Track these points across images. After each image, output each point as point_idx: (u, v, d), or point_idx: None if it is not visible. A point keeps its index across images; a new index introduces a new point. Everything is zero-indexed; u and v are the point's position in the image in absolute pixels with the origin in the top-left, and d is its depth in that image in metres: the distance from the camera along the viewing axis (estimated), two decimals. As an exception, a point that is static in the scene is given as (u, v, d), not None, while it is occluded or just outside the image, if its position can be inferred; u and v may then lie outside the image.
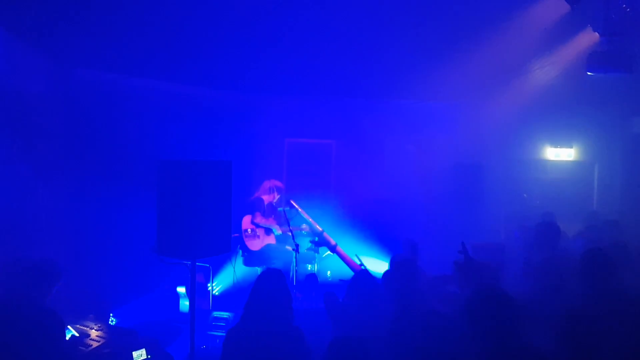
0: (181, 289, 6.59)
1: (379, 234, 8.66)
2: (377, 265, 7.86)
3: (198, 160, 4.42)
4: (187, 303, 6.38)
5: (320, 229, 7.66)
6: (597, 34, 6.41)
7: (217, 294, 7.46)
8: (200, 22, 6.56)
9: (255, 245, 7.69)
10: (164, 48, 6.76)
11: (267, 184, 8.04)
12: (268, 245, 7.76)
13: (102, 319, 5.04)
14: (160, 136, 7.32)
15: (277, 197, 8.00)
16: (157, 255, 4.59)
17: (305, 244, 7.67)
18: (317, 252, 7.75)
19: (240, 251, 7.68)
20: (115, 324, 5.79)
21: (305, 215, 7.66)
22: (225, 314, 6.26)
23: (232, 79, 8.40)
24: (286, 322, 3.80)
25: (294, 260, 6.92)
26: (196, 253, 4.45)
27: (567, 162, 9.95)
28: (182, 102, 8.17)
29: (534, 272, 4.39)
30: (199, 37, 6.81)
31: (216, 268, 7.69)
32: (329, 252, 7.83)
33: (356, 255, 7.27)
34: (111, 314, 5.78)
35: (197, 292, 6.67)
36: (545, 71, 8.18)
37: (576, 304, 3.79)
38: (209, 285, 6.98)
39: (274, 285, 3.78)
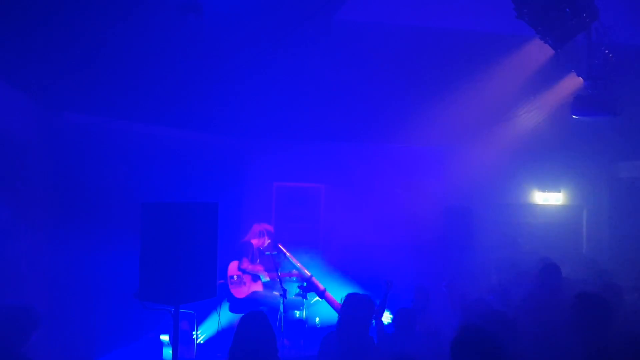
0: (165, 337, 6.39)
1: (368, 279, 8.52)
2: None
3: (182, 202, 4.34)
4: (171, 351, 6.16)
5: (309, 274, 7.53)
6: (581, 78, 6.51)
7: (201, 342, 7.23)
8: (189, 65, 6.59)
9: (241, 292, 7.50)
10: (152, 91, 6.76)
11: (257, 227, 7.91)
12: (254, 293, 7.57)
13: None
14: (146, 180, 7.23)
15: (267, 241, 7.85)
16: (140, 301, 4.43)
17: (293, 289, 7.51)
18: (306, 298, 7.58)
19: (226, 298, 7.48)
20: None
21: (294, 260, 7.54)
22: (209, 363, 6.05)
23: (220, 122, 8.40)
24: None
25: (282, 306, 6.75)
26: (179, 298, 4.31)
27: (555, 206, 9.96)
28: (170, 146, 8.10)
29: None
30: (187, 81, 6.83)
31: (202, 315, 7.48)
32: (317, 297, 7.67)
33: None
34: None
35: (181, 340, 6.50)
36: (532, 115, 8.29)
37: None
38: (193, 333, 6.76)
39: (257, 328, 3.67)
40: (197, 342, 6.91)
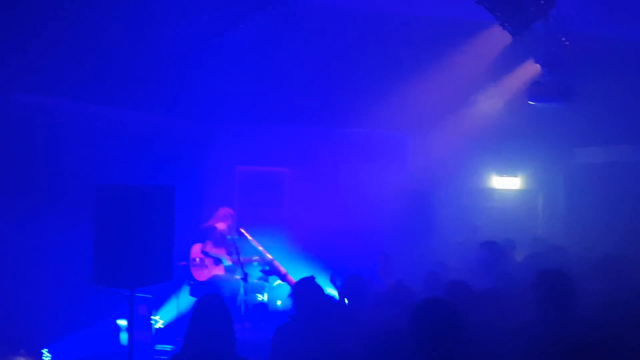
0: (122, 322, 6.31)
1: (332, 263, 8.57)
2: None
3: (137, 185, 4.27)
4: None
5: (271, 257, 7.52)
6: (538, 65, 6.63)
7: (161, 326, 7.17)
8: (148, 44, 6.46)
9: (202, 275, 7.46)
10: (108, 71, 6.60)
11: (223, 211, 7.87)
12: (215, 276, 7.53)
13: (34, 355, 4.75)
14: (104, 163, 7.07)
15: (230, 225, 7.81)
16: (94, 285, 4.36)
17: (255, 273, 7.50)
18: (268, 281, 7.59)
19: (186, 281, 7.43)
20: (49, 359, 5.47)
21: (256, 244, 7.52)
22: (168, 347, 6.01)
23: (181, 105, 8.26)
24: (229, 351, 3.64)
25: (242, 289, 6.74)
26: (134, 282, 4.26)
27: (512, 190, 10.18)
28: (129, 129, 7.94)
29: (481, 298, 4.37)
30: (145, 61, 6.69)
31: (161, 299, 7.42)
32: (279, 281, 7.68)
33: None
34: (46, 350, 5.46)
35: (138, 325, 6.45)
36: (491, 102, 8.41)
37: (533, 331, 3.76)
38: (151, 317, 6.70)
39: (213, 311, 3.63)
40: (156, 326, 6.84)
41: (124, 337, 6.28)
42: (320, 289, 4.30)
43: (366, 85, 7.75)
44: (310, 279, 4.41)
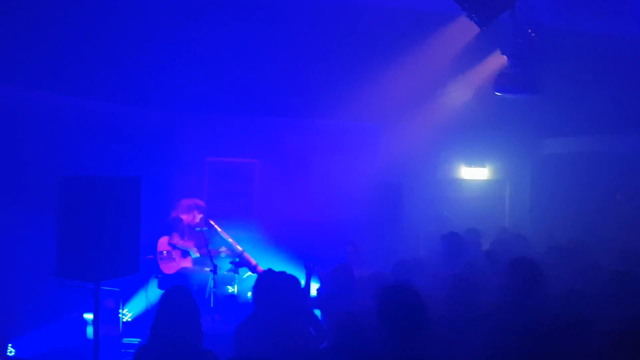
0: (88, 316, 6.21)
1: (303, 254, 8.57)
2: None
3: (102, 176, 4.19)
4: (95, 330, 6.01)
5: (241, 249, 7.49)
6: (505, 56, 6.71)
7: (129, 319, 7.08)
8: (113, 33, 6.32)
9: (170, 268, 7.38)
10: (74, 60, 6.44)
11: (186, 202, 7.77)
12: (184, 269, 7.46)
13: (-4, 350, 4.65)
14: (67, 155, 6.94)
15: (198, 216, 7.72)
16: (57, 278, 4.27)
17: (225, 265, 7.46)
18: (237, 273, 7.55)
19: (154, 274, 7.35)
20: (14, 355, 5.36)
21: (225, 236, 7.48)
22: (136, 340, 5.94)
23: (149, 95, 8.14)
24: (195, 343, 3.62)
25: (212, 281, 6.70)
26: (99, 275, 4.19)
27: (480, 181, 10.32)
28: (95, 119, 7.81)
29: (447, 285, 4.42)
30: (113, 50, 6.56)
31: (129, 293, 7.32)
32: (249, 272, 7.66)
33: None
34: (9, 345, 5.34)
35: (107, 318, 6.37)
36: (460, 93, 8.49)
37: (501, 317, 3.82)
38: (119, 310, 6.61)
39: (179, 304, 3.60)
40: (124, 320, 6.76)
41: (90, 331, 6.18)
42: (280, 283, 4.24)
43: (336, 77, 7.74)
44: (269, 273, 4.36)
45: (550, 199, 9.62)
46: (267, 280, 4.25)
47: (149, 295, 7.22)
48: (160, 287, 7.34)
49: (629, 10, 7.05)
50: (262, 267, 7.41)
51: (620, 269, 4.69)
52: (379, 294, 3.24)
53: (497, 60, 7.11)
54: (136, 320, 7.14)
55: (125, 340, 6.02)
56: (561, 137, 10.03)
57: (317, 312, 5.59)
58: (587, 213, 8.62)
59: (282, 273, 4.35)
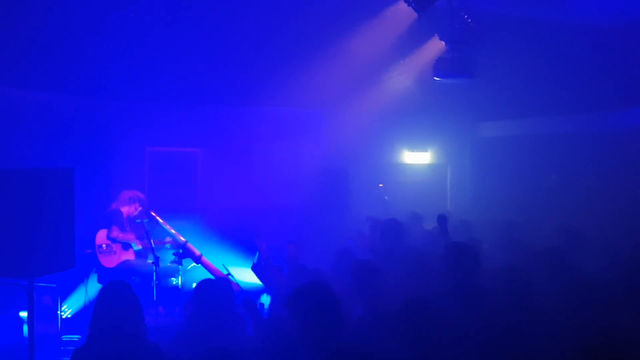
0: (24, 314, 5.96)
1: (248, 242, 8.52)
2: (245, 274, 7.70)
3: (31, 168, 4.00)
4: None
5: (184, 240, 7.35)
6: (443, 42, 6.82)
7: (68, 316, 6.86)
8: (44, 17, 6.05)
9: (111, 261, 7.17)
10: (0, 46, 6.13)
11: (126, 194, 7.54)
12: (126, 262, 7.27)
13: None
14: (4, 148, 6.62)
15: (138, 208, 7.53)
16: (-13, 276, 4.07)
17: (168, 257, 7.31)
18: (181, 265, 7.41)
19: (94, 269, 7.13)
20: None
21: (167, 227, 7.32)
22: (76, 337, 5.76)
23: (85, 82, 7.84)
24: (138, 337, 3.53)
25: (155, 273, 6.56)
26: (33, 271, 4.01)
27: (423, 165, 10.52)
28: (27, 109, 7.50)
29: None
30: (43, 35, 6.27)
31: (68, 288, 7.09)
32: (193, 263, 7.54)
33: (223, 265, 7.06)
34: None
35: (44, 315, 6.14)
36: (401, 78, 8.59)
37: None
38: (58, 307, 6.39)
39: (118, 299, 3.49)
40: (63, 316, 6.54)
41: (26, 329, 5.95)
42: (218, 293, 4.11)
43: (277, 63, 7.69)
44: (208, 282, 4.24)
45: (489, 181, 9.93)
46: (206, 290, 4.12)
47: (89, 290, 6.99)
48: (100, 281, 7.12)
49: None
50: (206, 258, 7.32)
51: (554, 245, 4.90)
52: (290, 297, 3.19)
53: (436, 46, 7.22)
54: (76, 316, 6.92)
55: (65, 337, 5.81)
56: (498, 121, 10.33)
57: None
58: (524, 193, 8.94)
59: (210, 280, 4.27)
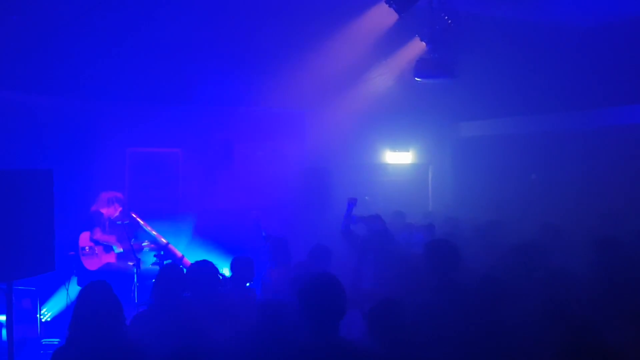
0: (3, 317, 5.88)
1: (231, 242, 8.49)
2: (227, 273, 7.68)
3: (9, 170, 3.95)
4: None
5: (165, 241, 7.30)
6: (424, 42, 6.87)
7: (48, 319, 6.78)
8: (24, 18, 5.97)
9: (93, 264, 7.12)
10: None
11: (106, 195, 7.49)
12: (107, 264, 7.22)
13: None
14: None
15: (118, 209, 7.46)
16: (-36, 279, 4.01)
17: (149, 259, 7.25)
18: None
19: (76, 271, 7.06)
20: None
21: (149, 229, 7.26)
22: (56, 341, 5.70)
23: (65, 83, 7.75)
24: (119, 336, 3.50)
25: (135, 275, 6.51)
26: (11, 274, 3.96)
27: (404, 164, 10.58)
28: (6, 110, 7.39)
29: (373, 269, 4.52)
30: (23, 34, 6.19)
31: (48, 291, 7.01)
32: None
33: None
34: None
35: (23, 319, 6.06)
36: (383, 79, 8.63)
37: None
38: (37, 310, 6.31)
39: (98, 300, 3.46)
40: (43, 320, 6.46)
41: (5, 333, 5.87)
42: (181, 278, 4.21)
43: (259, 64, 7.68)
44: (172, 266, 4.31)
45: (470, 180, 10.03)
46: (169, 274, 4.23)
47: (71, 293, 6.92)
48: (80, 284, 7.06)
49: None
50: (188, 259, 7.28)
51: (535, 242, 4.97)
52: (300, 286, 3.24)
53: (417, 46, 7.27)
54: (56, 320, 6.85)
55: (45, 341, 5.75)
56: (478, 120, 10.44)
57: None
58: (504, 192, 9.05)
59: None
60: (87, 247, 7.10)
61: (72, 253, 7.01)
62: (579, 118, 8.88)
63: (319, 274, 3.33)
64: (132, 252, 6.62)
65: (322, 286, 3.16)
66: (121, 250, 7.27)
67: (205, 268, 4.42)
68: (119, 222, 7.22)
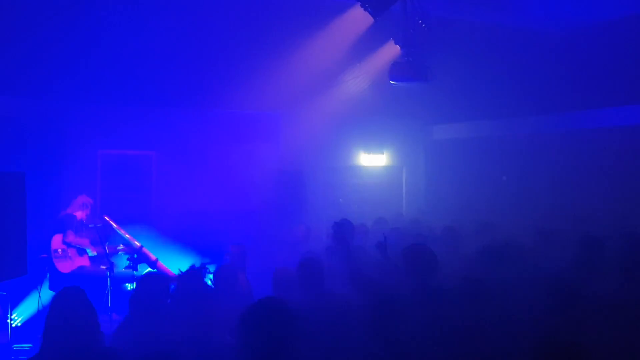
0: (-28, 323, 5.77)
1: (205, 245, 8.44)
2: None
3: (-20, 173, 3.88)
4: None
5: (139, 244, 7.22)
6: (398, 46, 6.95)
7: (19, 324, 6.64)
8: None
9: (66, 267, 7.03)
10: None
11: (81, 199, 7.45)
12: (80, 268, 7.12)
13: None
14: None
15: (91, 213, 7.42)
16: None
17: (122, 262, 7.17)
18: (136, 270, 7.28)
19: (48, 274, 6.94)
20: None
21: (122, 232, 7.18)
22: (27, 346, 5.59)
23: (35, 84, 7.60)
24: (95, 344, 3.45)
25: (108, 279, 6.43)
26: (-18, 279, 3.89)
27: (379, 167, 10.67)
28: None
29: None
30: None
31: (19, 296, 6.87)
32: (149, 268, 7.41)
33: (179, 269, 6.95)
34: None
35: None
36: (357, 81, 8.70)
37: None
38: (7, 315, 6.18)
39: (72, 305, 3.39)
40: (13, 325, 6.33)
41: (-26, 340, 5.76)
42: (160, 287, 4.11)
43: (233, 66, 7.68)
44: (152, 276, 4.22)
45: (443, 182, 10.17)
46: (148, 284, 4.12)
47: (43, 297, 6.80)
48: (53, 287, 6.95)
49: (511, 1, 7.55)
50: (162, 263, 7.21)
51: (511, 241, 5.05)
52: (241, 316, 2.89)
53: (391, 50, 7.35)
54: (27, 324, 6.71)
55: (15, 346, 5.63)
56: (450, 123, 10.60)
57: None
58: (476, 194, 9.19)
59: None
60: (59, 250, 7.02)
61: (44, 255, 6.91)
62: (550, 121, 9.08)
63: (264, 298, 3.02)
64: (106, 256, 6.54)
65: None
66: (95, 253, 7.20)
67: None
68: (91, 225, 7.16)
